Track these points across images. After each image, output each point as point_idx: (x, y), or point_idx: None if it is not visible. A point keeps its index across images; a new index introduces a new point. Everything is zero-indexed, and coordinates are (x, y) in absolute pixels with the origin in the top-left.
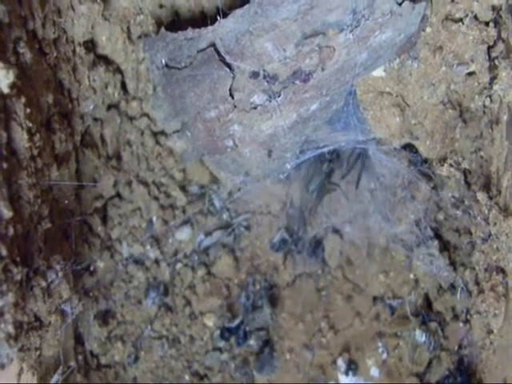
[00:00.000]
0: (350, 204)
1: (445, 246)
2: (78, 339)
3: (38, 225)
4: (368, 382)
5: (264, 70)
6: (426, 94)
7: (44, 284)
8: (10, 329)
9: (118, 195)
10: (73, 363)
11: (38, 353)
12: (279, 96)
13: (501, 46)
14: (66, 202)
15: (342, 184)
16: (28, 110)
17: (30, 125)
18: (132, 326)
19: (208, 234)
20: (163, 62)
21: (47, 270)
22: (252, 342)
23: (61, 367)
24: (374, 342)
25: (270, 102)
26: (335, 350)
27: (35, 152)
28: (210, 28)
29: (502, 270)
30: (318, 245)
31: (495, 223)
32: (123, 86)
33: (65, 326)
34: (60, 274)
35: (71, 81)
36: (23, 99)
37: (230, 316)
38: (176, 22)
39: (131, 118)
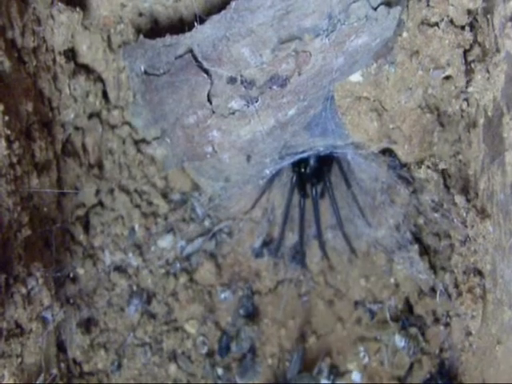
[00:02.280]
0: (330, 210)
1: (425, 250)
2: (61, 347)
3: (17, 232)
4: None
5: (241, 76)
6: (403, 98)
7: (24, 291)
8: None
9: (100, 203)
10: (55, 371)
11: (19, 360)
12: (257, 101)
13: (477, 50)
14: (46, 209)
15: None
16: (6, 118)
17: (9, 132)
18: (115, 333)
19: (190, 241)
20: (142, 69)
21: (27, 276)
22: (234, 348)
23: (43, 374)
24: (355, 347)
25: (248, 107)
26: (317, 355)
27: (14, 159)
28: (187, 34)
29: (479, 272)
30: (299, 251)
31: (472, 226)
32: (104, 94)
33: (46, 334)
34: (40, 281)
35: (52, 89)
36: (1, 107)
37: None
38: (155, 30)
39: (113, 127)
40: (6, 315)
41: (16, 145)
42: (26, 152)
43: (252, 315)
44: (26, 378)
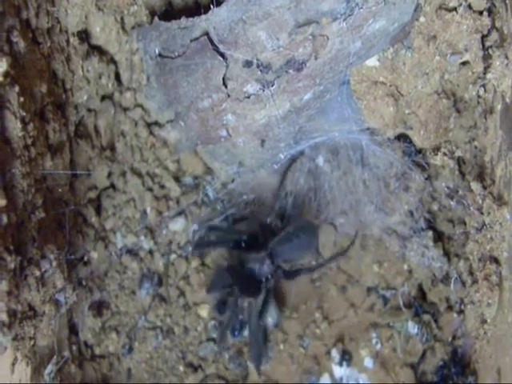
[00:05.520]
0: (343, 195)
1: (439, 237)
2: (73, 329)
3: (31, 214)
4: (362, 379)
5: (257, 59)
6: (419, 83)
7: (38, 273)
8: (4, 317)
9: (112, 186)
10: (67, 353)
11: (32, 342)
12: (272, 85)
13: (495, 35)
14: (60, 191)
15: (336, 175)
16: (22, 99)
17: (24, 114)
18: (126, 316)
19: (202, 224)
20: (156, 51)
21: (41, 259)
22: (246, 332)
23: (55, 357)
24: (367, 333)
25: (264, 91)
26: (329, 341)
27: (29, 141)
28: (203, 17)
29: (495, 260)
30: None
31: (489, 213)
32: (117, 76)
33: (59, 316)
34: (54, 264)
35: (65, 71)
36: (17, 88)
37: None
38: (170, 12)
39: (125, 109)
40: (20, 298)
41: (31, 126)
42: (40, 134)
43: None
44: (38, 361)
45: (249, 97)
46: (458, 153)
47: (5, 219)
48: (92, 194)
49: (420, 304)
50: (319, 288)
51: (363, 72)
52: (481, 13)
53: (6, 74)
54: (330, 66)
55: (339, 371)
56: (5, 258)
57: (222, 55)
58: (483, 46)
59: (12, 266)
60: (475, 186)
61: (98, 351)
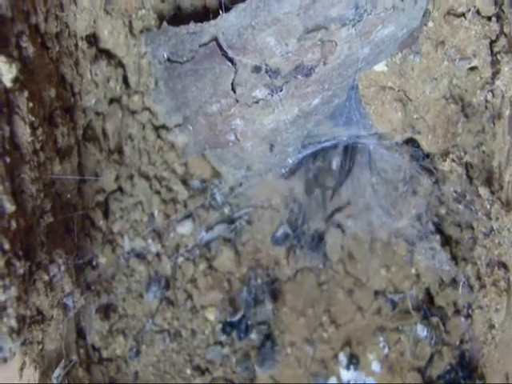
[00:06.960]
0: (351, 199)
1: (446, 241)
2: (80, 333)
3: (40, 219)
4: (369, 382)
5: (266, 65)
6: (428, 88)
7: (46, 278)
8: (13, 323)
9: (120, 189)
10: (75, 357)
11: (40, 347)
12: (281, 90)
13: (503, 41)
14: (69, 196)
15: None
16: (31, 104)
17: (33, 119)
18: (133, 319)
19: (209, 228)
20: (165, 56)
21: (50, 263)
22: (253, 335)
23: (63, 361)
24: (375, 337)
25: (272, 96)
26: (336, 345)
27: (38, 146)
28: (212, 22)
29: (503, 265)
30: (319, 239)
31: (497, 218)
32: (125, 80)
33: (67, 320)
34: (62, 268)
35: (73, 75)
36: (26, 93)
37: (232, 310)
38: (178, 17)
39: (133, 112)
40: (29, 302)
41: (39, 131)
42: (49, 138)
43: (271, 303)
44: (46, 365)
45: (257, 102)
46: (466, 158)
47: (14, 224)
48: (100, 197)
49: (428, 308)
50: (326, 292)
51: (371, 77)
52: (489, 18)
53: (16, 80)
54: (339, 71)
55: (346, 375)
56: (14, 264)
57: (231, 60)
58: (491, 51)
59: (21, 271)
60: (483, 191)
61: (105, 354)
